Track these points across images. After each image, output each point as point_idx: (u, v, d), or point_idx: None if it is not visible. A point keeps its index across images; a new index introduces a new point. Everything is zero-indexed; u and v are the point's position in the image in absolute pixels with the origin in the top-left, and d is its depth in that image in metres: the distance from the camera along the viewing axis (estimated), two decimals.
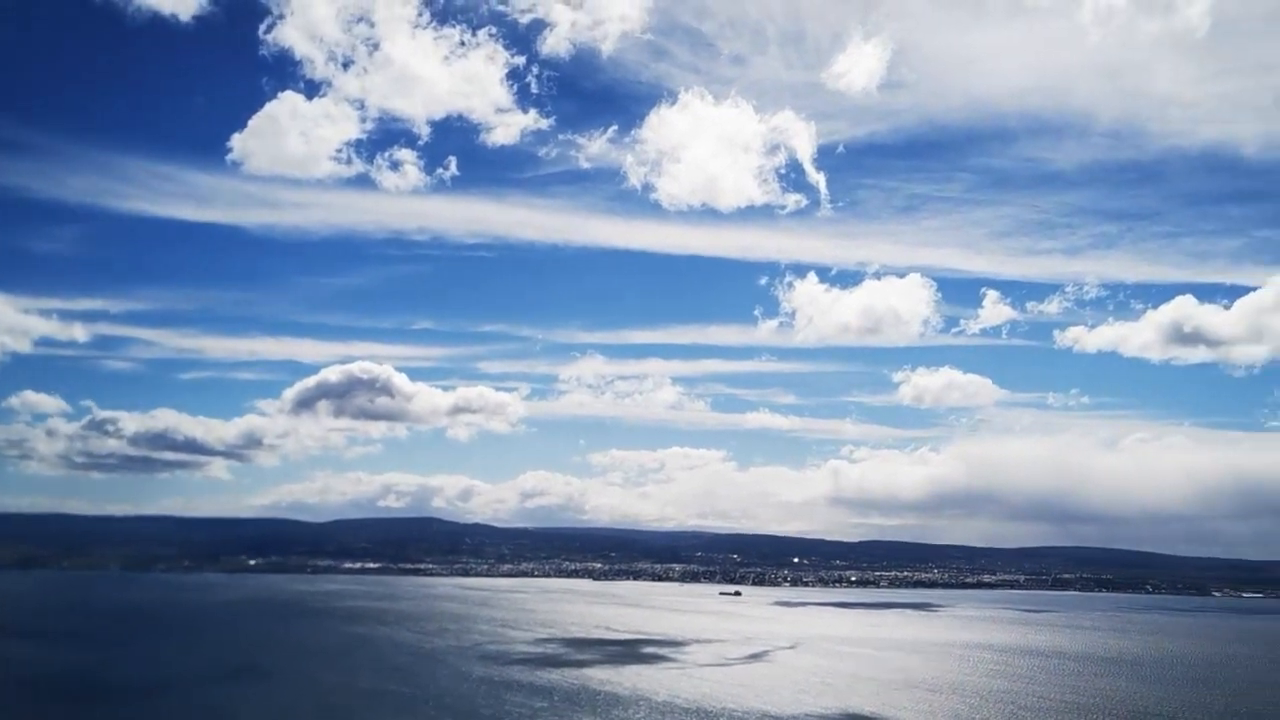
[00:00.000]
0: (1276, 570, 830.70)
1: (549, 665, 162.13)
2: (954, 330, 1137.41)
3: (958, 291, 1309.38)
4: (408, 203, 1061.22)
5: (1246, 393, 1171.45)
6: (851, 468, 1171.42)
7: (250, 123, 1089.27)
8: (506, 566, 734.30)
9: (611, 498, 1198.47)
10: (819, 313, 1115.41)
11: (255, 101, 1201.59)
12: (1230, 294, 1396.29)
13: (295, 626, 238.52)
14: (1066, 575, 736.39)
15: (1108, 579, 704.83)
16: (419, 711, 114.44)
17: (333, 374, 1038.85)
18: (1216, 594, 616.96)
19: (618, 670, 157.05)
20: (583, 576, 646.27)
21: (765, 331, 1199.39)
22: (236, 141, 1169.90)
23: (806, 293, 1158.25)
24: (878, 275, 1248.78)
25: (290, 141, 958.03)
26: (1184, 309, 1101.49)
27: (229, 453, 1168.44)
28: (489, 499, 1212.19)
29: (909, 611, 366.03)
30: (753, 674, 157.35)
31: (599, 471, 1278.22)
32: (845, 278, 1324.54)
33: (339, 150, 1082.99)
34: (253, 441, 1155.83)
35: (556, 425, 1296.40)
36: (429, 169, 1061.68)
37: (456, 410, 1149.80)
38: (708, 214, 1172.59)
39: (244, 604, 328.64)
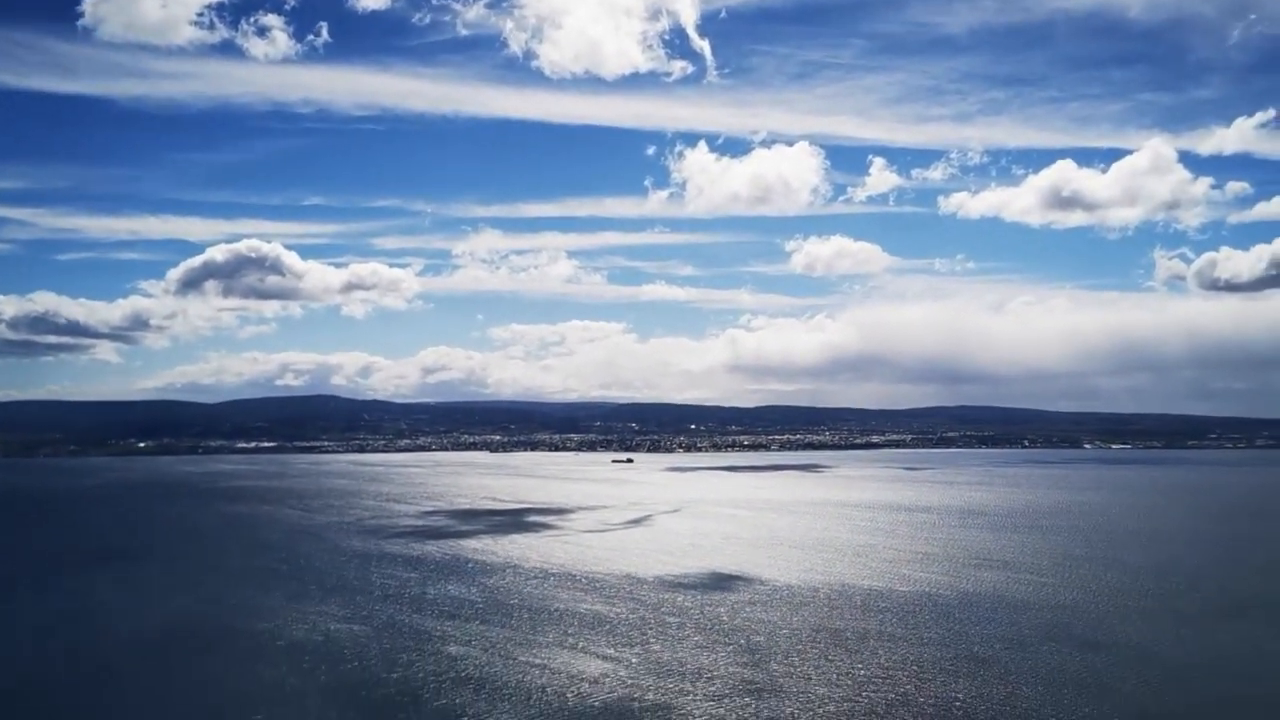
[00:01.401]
0: (1146, 422, 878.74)
1: (429, 538, 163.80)
2: (842, 198, 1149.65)
3: (846, 159, 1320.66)
4: (285, 73, 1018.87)
5: (1122, 255, 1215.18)
6: (749, 336, 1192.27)
7: None
8: (404, 442, 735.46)
9: (514, 371, 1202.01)
10: (709, 183, 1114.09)
11: None
12: (1108, 158, 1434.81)
13: (176, 508, 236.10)
14: (951, 434, 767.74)
15: (989, 435, 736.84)
16: (287, 587, 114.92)
17: (219, 253, 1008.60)
18: (1088, 446, 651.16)
19: (497, 540, 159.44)
20: (481, 449, 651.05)
21: (656, 203, 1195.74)
22: (88, 6, 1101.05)
23: (697, 162, 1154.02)
24: (767, 144, 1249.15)
25: (145, 6, 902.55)
26: (1063, 174, 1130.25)
27: (115, 335, 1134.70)
28: (390, 375, 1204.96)
29: (795, 473, 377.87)
30: (629, 538, 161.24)
31: (500, 346, 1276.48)
32: (734, 146, 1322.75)
33: (200, 15, 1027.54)
34: (139, 323, 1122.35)
35: (453, 301, 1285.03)
36: (299, 35, 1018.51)
37: (350, 287, 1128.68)
38: (593, 82, 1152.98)
39: (126, 487, 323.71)
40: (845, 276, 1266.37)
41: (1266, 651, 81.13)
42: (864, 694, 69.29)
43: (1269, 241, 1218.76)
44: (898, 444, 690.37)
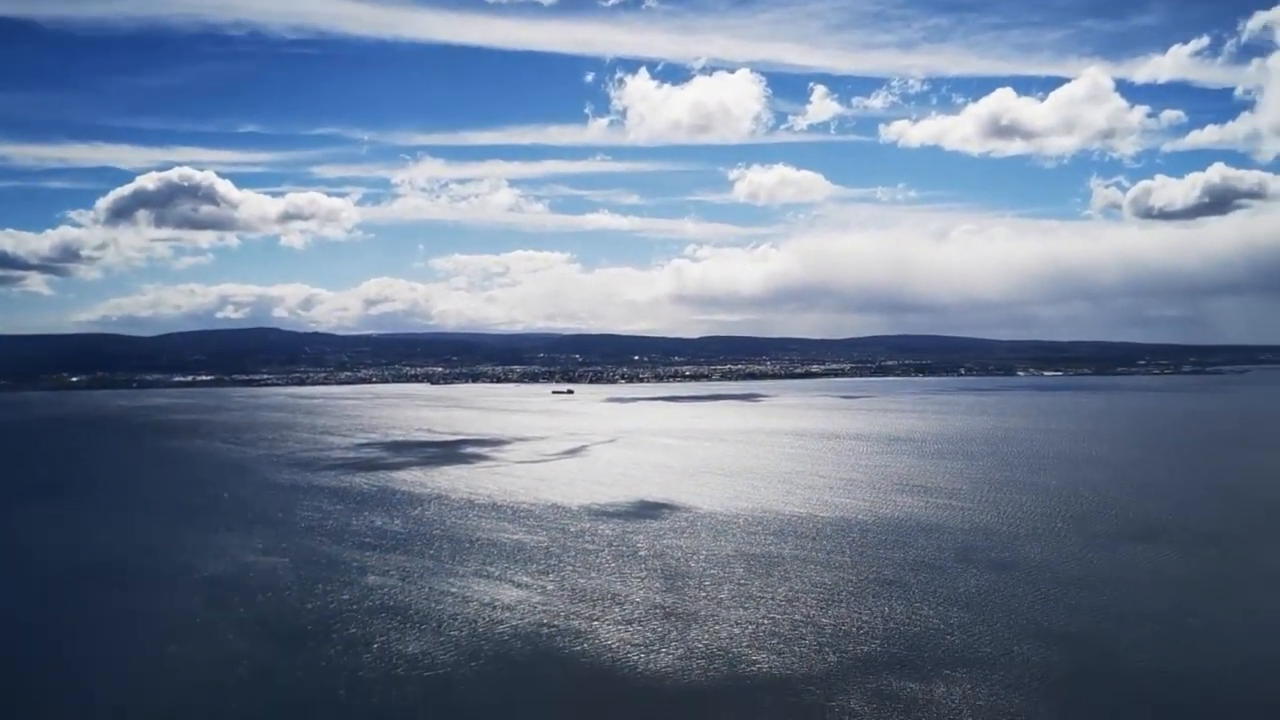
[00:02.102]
0: (1080, 349, 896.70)
1: (359, 470, 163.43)
2: (784, 126, 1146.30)
3: (787, 87, 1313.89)
4: None
5: (1060, 183, 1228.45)
6: (694, 266, 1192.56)
7: None
8: (345, 375, 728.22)
9: (457, 302, 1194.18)
10: (650, 110, 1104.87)
11: None
12: (1047, 86, 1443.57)
13: (107, 443, 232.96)
14: (890, 362, 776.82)
15: (927, 364, 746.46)
16: (211, 521, 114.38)
17: (150, 181, 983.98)
18: (1021, 373, 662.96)
19: (428, 472, 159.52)
20: (422, 382, 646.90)
21: (597, 131, 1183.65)
22: None
23: (637, 90, 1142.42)
24: (708, 71, 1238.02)
25: None
26: (1003, 102, 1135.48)
27: (45, 266, 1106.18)
28: (332, 307, 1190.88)
29: (733, 402, 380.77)
30: (561, 469, 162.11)
31: (443, 276, 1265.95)
32: (675, 73, 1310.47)
33: None
34: (69, 254, 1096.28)
35: (394, 231, 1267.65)
36: None
37: (287, 217, 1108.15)
38: (532, 7, 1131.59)
39: (57, 421, 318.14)
40: (789, 205, 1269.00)
41: (1163, 571, 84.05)
42: (770, 616, 70.86)
43: (1203, 169, 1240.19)
44: (837, 373, 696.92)
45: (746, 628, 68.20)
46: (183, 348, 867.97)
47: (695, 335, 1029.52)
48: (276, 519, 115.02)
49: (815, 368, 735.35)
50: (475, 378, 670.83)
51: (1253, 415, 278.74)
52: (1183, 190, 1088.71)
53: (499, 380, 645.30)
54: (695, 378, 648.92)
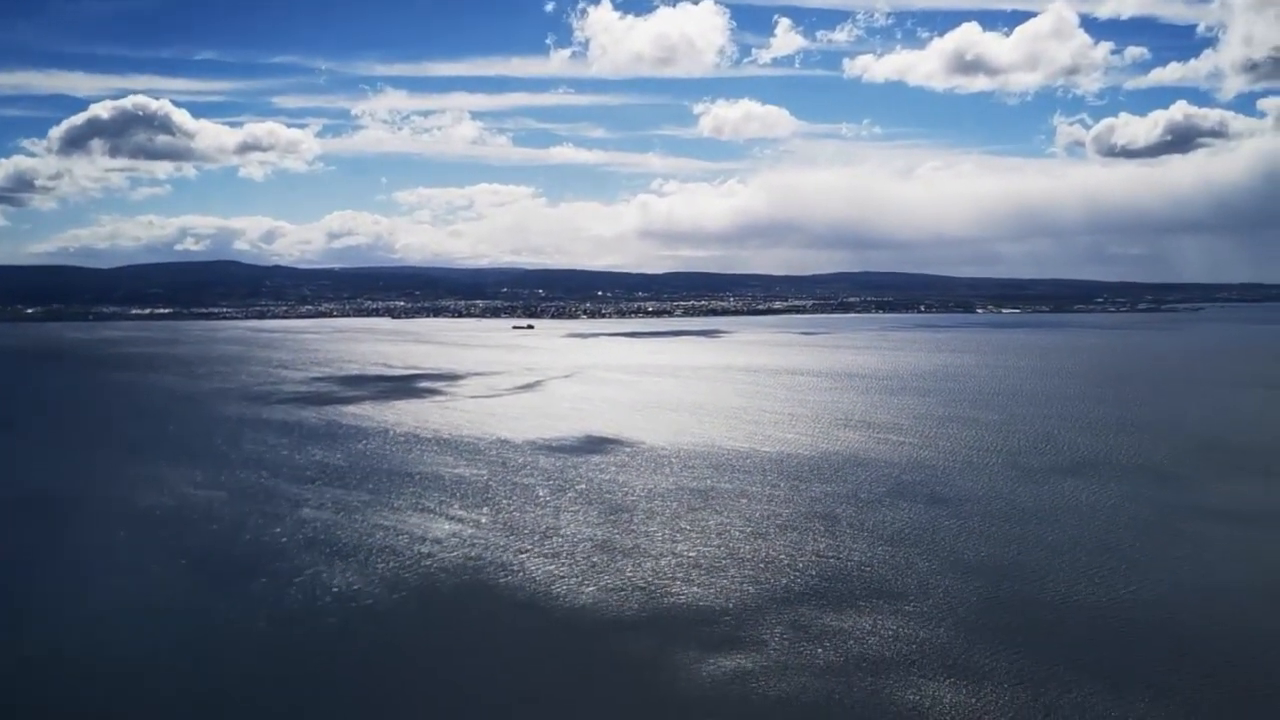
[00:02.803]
0: (1040, 287, 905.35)
1: (310, 404, 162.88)
2: (748, 60, 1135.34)
3: (751, 20, 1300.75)
4: None
5: (1024, 120, 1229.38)
6: (660, 201, 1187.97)
7: None
8: (306, 308, 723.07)
9: (421, 236, 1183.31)
10: (613, 42, 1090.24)
11: None
12: (1012, 21, 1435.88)
13: (58, 376, 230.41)
14: (852, 299, 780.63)
15: (888, 301, 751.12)
16: (154, 454, 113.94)
17: (104, 110, 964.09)
18: (980, 311, 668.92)
19: (379, 406, 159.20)
20: (383, 315, 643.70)
21: (559, 63, 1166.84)
22: None
23: (599, 20, 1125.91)
24: (670, 2, 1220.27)
25: None
26: (967, 36, 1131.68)
27: None
28: (294, 240, 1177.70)
29: (693, 338, 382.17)
30: (513, 404, 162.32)
31: (406, 210, 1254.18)
32: (637, 3, 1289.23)
33: None
34: (23, 184, 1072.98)
35: (356, 163, 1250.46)
36: None
37: (246, 148, 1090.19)
38: None
39: (6, 354, 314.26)
40: (754, 140, 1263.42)
41: (1092, 504, 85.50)
42: (698, 549, 71.74)
43: (1165, 107, 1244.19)
44: (800, 310, 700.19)
45: (673, 560, 69.09)
46: (141, 280, 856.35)
47: (660, 271, 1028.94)
48: (219, 452, 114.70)
49: (778, 304, 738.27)
50: (437, 312, 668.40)
51: (1199, 352, 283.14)
52: (1145, 128, 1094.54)
53: (461, 315, 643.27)
54: (657, 314, 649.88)
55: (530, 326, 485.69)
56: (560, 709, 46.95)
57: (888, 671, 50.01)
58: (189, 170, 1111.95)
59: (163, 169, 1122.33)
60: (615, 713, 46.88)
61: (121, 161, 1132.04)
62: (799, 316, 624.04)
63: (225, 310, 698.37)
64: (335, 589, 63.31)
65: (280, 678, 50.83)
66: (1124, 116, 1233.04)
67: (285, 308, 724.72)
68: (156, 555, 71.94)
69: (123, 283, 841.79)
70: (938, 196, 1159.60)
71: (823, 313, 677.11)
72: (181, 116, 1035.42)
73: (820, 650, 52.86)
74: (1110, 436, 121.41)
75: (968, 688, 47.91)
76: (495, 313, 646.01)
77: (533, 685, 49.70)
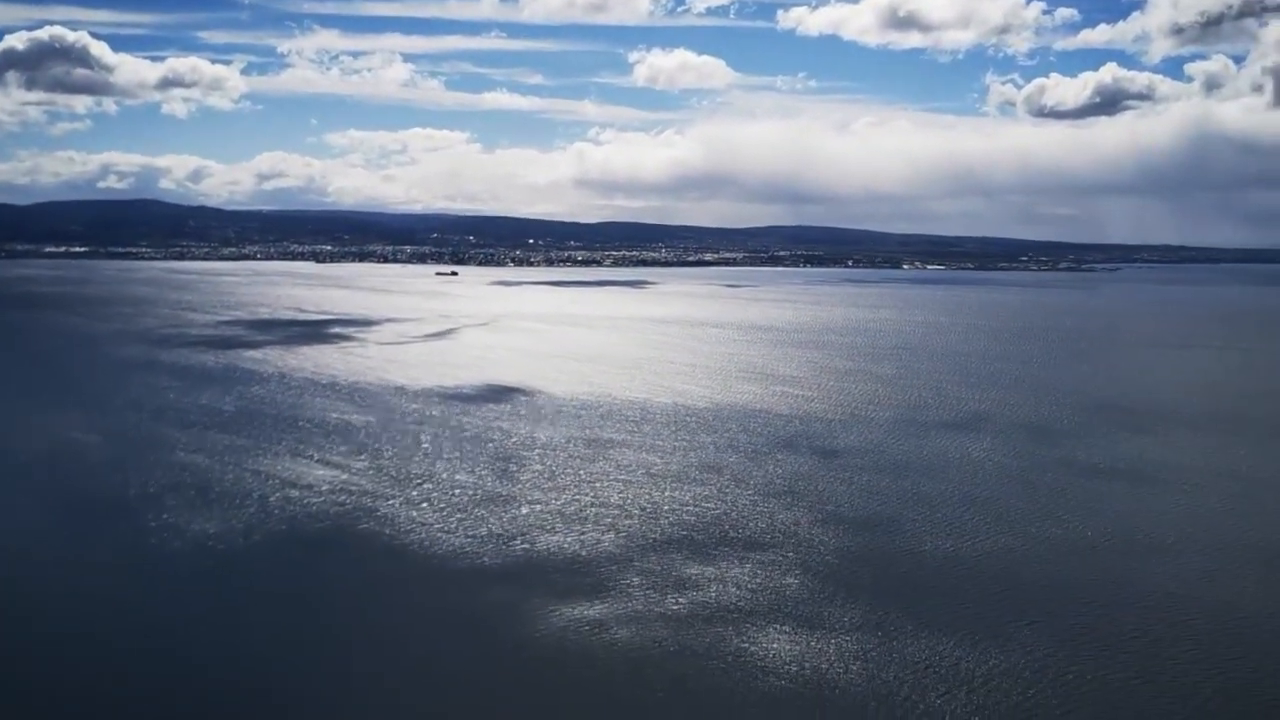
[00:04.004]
0: (970, 245, 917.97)
1: (212, 348, 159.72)
2: (682, 9, 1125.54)
3: None
4: None
5: (957, 78, 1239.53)
6: (597, 150, 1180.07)
7: None
8: (229, 251, 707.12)
9: (355, 180, 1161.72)
10: None
11: None
12: None
13: None
14: (783, 253, 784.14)
15: (817, 255, 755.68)
16: (36, 397, 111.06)
17: (19, 41, 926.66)
18: (905, 266, 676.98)
19: (282, 351, 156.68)
20: (308, 260, 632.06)
21: (490, 6, 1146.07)
22: None
23: None
24: None
25: None
26: None
27: None
28: (222, 181, 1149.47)
29: (618, 289, 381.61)
30: (421, 351, 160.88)
31: (338, 153, 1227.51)
32: None
33: None
34: None
35: (284, 103, 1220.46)
36: None
37: (168, 84, 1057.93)
38: None
39: None
40: (691, 91, 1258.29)
41: (971, 459, 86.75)
42: (578, 499, 71.71)
43: (1095, 69, 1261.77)
44: (730, 262, 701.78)
45: (552, 510, 69.04)
46: (59, 218, 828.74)
47: (593, 221, 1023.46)
48: (105, 396, 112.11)
49: (709, 256, 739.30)
50: (363, 257, 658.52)
51: (1105, 312, 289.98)
52: (1075, 89, 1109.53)
53: (387, 261, 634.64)
54: (586, 264, 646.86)
55: (454, 274, 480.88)
56: (403, 656, 46.77)
57: (736, 621, 50.55)
58: (109, 105, 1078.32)
59: (82, 103, 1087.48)
60: (459, 662, 46.80)
61: (38, 95, 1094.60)
62: (728, 269, 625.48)
63: (144, 251, 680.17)
64: (195, 533, 62.29)
65: (138, 624, 50.03)
66: (1055, 77, 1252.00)
67: (207, 249, 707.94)
68: (21, 498, 70.31)
69: (41, 219, 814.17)
70: (872, 152, 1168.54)
71: (753, 265, 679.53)
72: (100, 49, 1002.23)
73: (675, 600, 53.22)
74: (1001, 393, 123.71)
75: (811, 637, 48.59)
76: (422, 259, 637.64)
77: (380, 632, 49.48)
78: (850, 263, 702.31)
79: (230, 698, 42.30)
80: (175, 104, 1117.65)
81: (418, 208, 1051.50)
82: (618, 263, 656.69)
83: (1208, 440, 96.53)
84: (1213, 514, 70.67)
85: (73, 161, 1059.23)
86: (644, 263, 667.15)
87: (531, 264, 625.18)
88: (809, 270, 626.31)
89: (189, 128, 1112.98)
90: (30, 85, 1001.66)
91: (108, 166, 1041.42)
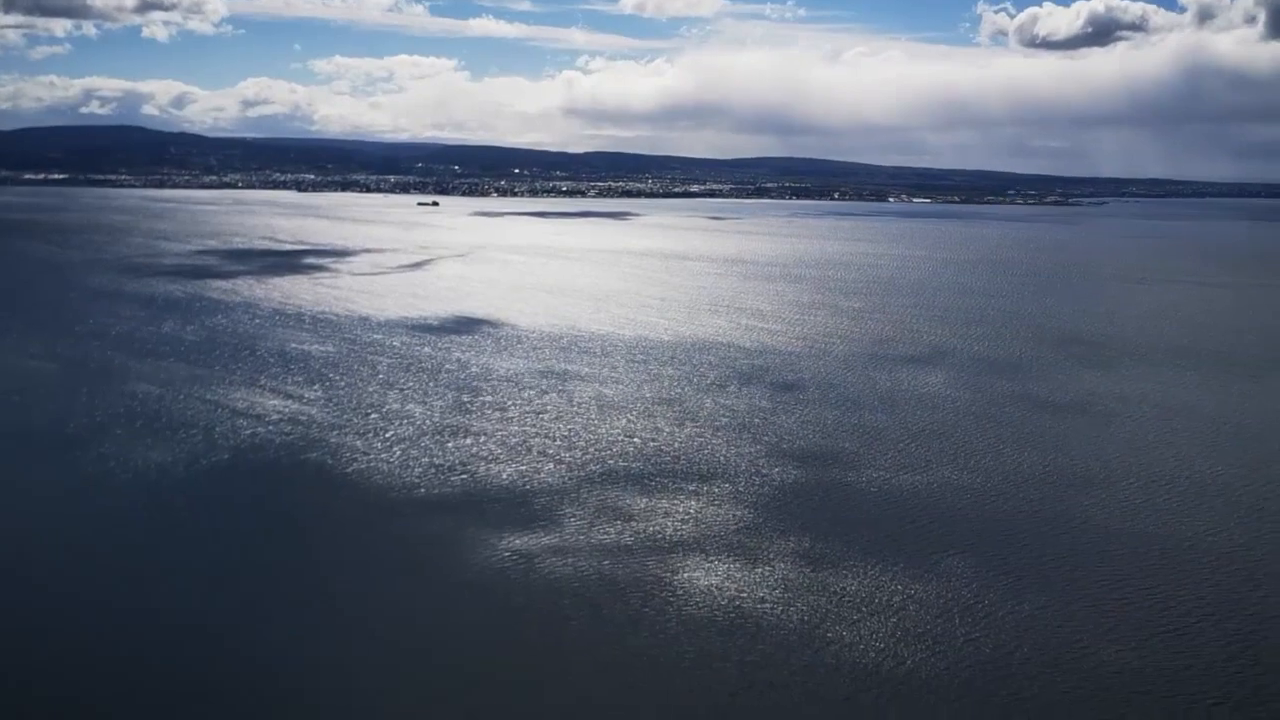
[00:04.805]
0: (958, 178, 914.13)
1: (181, 277, 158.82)
2: None
3: None
4: None
5: (949, 6, 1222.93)
6: (586, 79, 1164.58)
7: None
8: (210, 179, 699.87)
9: (341, 107, 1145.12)
10: None
11: None
12: None
13: None
14: (770, 185, 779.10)
15: (804, 188, 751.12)
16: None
17: None
18: (892, 200, 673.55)
19: (253, 281, 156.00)
20: (290, 189, 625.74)
21: None
22: None
23: None
24: None
25: None
26: None
27: None
28: (206, 107, 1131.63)
29: (601, 220, 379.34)
30: (392, 283, 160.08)
31: (324, 79, 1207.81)
32: None
33: None
34: None
35: (267, 27, 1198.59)
36: None
37: (147, 6, 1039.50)
38: None
39: None
40: (681, 19, 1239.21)
41: (930, 393, 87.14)
42: (529, 431, 71.86)
43: None
44: (716, 194, 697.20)
45: (504, 442, 69.11)
46: (39, 143, 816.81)
47: (580, 150, 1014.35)
48: (67, 324, 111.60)
49: (695, 188, 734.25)
50: (346, 187, 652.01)
51: (1084, 246, 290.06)
52: (1067, 19, 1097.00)
53: (370, 191, 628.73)
54: (571, 194, 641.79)
55: (435, 204, 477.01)
56: (334, 588, 47.14)
57: (670, 552, 50.96)
58: (89, 29, 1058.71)
59: (60, 26, 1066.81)
60: (388, 593, 47.17)
61: (15, 18, 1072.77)
62: (713, 201, 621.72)
63: (124, 178, 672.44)
64: (139, 464, 62.44)
65: (75, 557, 50.28)
66: (1047, 6, 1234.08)
67: (188, 177, 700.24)
68: None
69: (21, 146, 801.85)
70: (864, 83, 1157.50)
71: (738, 197, 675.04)
72: None
73: (613, 531, 53.60)
74: (968, 327, 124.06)
75: (738, 567, 49.01)
76: (406, 189, 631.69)
77: (314, 560, 50.00)
78: (836, 196, 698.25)
79: (165, 632, 42.40)
80: (155, 27, 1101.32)
81: (405, 136, 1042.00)
82: (602, 193, 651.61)
83: (1163, 375, 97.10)
84: (1152, 447, 71.34)
85: (54, 86, 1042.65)
86: (629, 193, 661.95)
87: (515, 194, 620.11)
88: (794, 203, 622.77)
89: (171, 52, 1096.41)
90: (8, 7, 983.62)
91: (90, 92, 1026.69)
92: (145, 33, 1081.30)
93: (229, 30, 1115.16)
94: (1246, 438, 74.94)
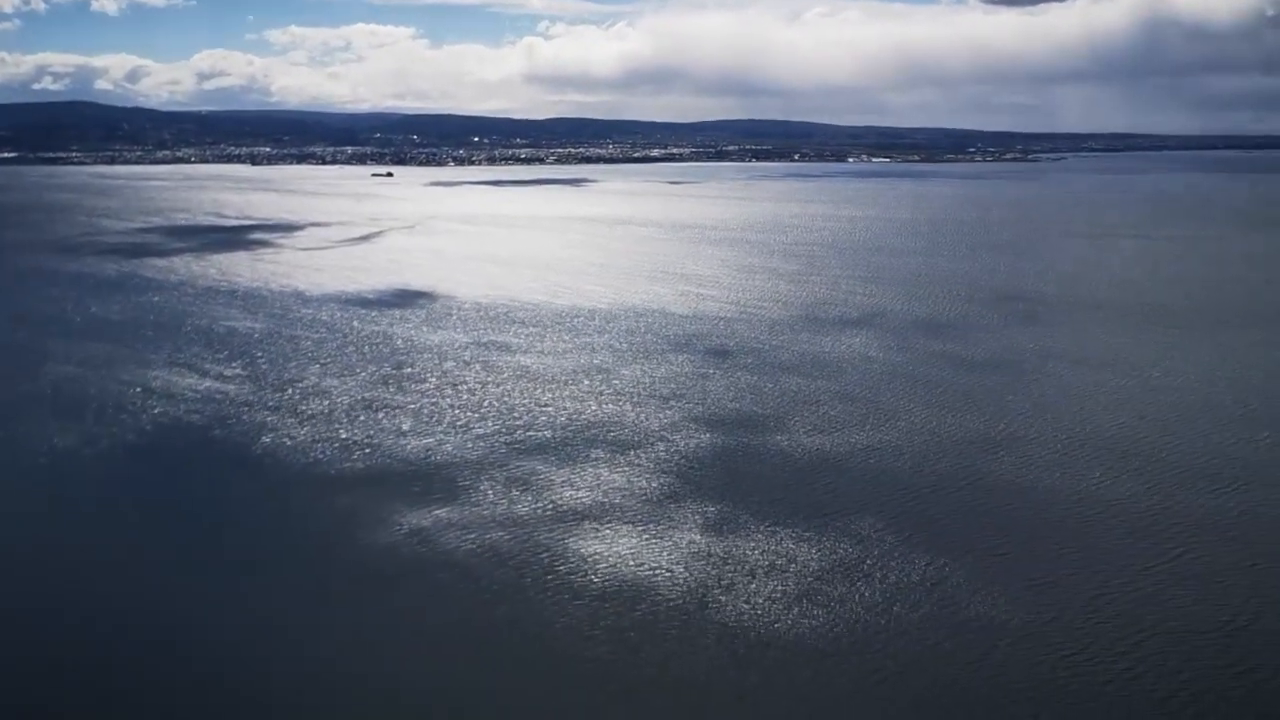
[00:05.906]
0: (919, 136, 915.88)
1: (118, 255, 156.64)
2: None
3: None
4: None
5: None
6: (547, 44, 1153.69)
7: None
8: (163, 154, 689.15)
9: (299, 79, 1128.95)
10: None
11: None
12: None
13: None
14: (731, 147, 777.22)
15: (765, 149, 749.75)
16: None
17: None
18: (851, 160, 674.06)
19: (192, 258, 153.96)
20: (244, 163, 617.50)
21: None
22: None
23: None
24: None
25: None
26: None
27: None
28: (161, 81, 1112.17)
29: (557, 188, 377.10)
30: (336, 257, 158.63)
31: (280, 50, 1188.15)
32: None
33: None
34: None
35: None
36: None
37: None
38: None
39: None
40: None
41: (859, 356, 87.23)
42: (450, 402, 71.62)
43: None
44: (676, 158, 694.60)
45: (423, 415, 68.71)
46: None
47: (541, 117, 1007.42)
48: None
49: (655, 152, 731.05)
50: (302, 159, 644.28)
51: (1036, 201, 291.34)
52: None
53: (325, 163, 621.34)
54: (530, 161, 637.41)
55: (389, 174, 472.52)
56: (238, 568, 46.88)
57: (579, 521, 50.82)
58: (38, 4, 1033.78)
59: (8, 2, 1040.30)
60: (292, 567, 47.10)
61: None
62: (673, 165, 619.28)
63: (75, 155, 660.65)
64: (53, 448, 61.83)
65: None
66: None
67: (140, 153, 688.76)
68: None
69: None
70: (824, 43, 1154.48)
71: (699, 161, 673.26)
72: None
73: (525, 503, 53.25)
74: (904, 287, 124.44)
75: (650, 537, 48.91)
76: (362, 159, 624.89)
77: (221, 538, 49.76)
78: (797, 157, 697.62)
79: (73, 614, 42.13)
80: (105, 1, 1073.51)
81: (365, 107, 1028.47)
82: (561, 160, 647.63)
83: (1091, 330, 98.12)
84: (1077, 404, 71.99)
85: (4, 62, 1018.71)
86: (588, 159, 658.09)
87: (473, 163, 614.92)
88: (754, 165, 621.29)
89: (123, 25, 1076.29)
90: None
91: (43, 68, 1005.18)
92: (95, 5, 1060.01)
93: (180, 1, 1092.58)
94: (1163, 390, 75.92)
